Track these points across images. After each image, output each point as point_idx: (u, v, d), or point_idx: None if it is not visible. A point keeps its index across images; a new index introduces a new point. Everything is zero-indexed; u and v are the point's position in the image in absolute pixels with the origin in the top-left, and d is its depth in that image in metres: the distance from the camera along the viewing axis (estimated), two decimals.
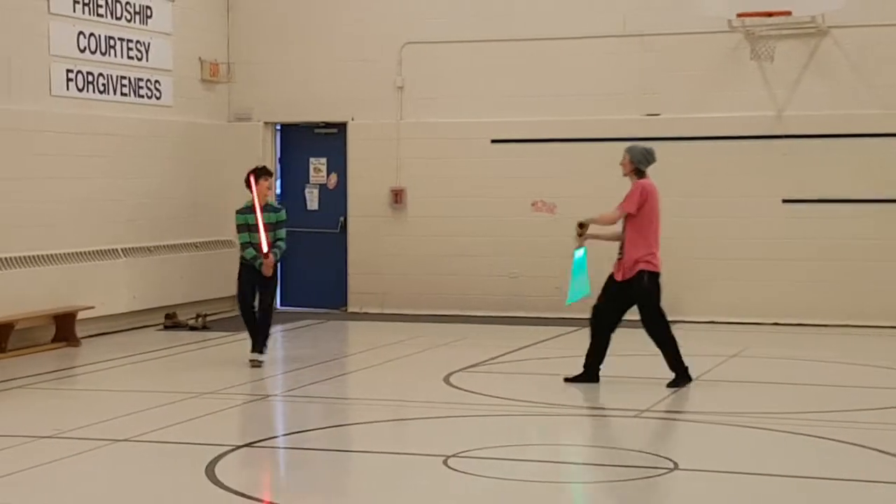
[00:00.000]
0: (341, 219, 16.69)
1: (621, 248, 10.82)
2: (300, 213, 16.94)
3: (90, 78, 14.28)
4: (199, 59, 16.16)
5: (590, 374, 10.99)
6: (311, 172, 16.91)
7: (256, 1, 16.66)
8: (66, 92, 13.95)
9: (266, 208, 11.98)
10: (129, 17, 14.84)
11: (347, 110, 16.49)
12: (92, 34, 14.28)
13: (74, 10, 14.02)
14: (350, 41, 16.35)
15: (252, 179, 12.00)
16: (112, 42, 14.59)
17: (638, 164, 10.82)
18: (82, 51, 14.15)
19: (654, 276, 10.76)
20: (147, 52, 15.14)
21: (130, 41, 14.88)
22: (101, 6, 14.40)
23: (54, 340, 13.30)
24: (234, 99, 16.72)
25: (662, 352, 10.97)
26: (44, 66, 13.67)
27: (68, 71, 13.98)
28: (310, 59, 16.49)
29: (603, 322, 10.95)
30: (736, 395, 10.88)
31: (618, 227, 10.90)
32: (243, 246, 11.95)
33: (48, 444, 8.70)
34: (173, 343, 13.75)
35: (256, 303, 12.08)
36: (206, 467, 7.91)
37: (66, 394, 11.02)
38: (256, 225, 11.81)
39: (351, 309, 16.53)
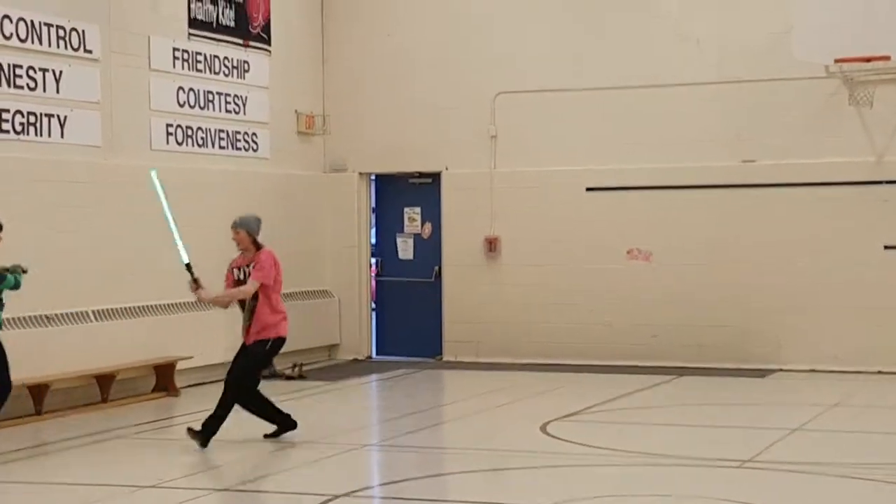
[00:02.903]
0: (436, 268, 16.73)
1: (250, 315, 10.52)
2: (394, 262, 17.03)
3: (189, 132, 14.54)
4: (296, 111, 16.37)
5: (286, 423, 10.78)
6: (406, 222, 16.99)
7: (350, 54, 16.85)
8: (165, 146, 14.21)
9: None
10: (226, 72, 15.10)
11: (441, 160, 16.57)
12: (191, 89, 14.55)
13: (174, 66, 14.30)
14: (443, 91, 16.44)
15: None
16: (210, 96, 14.85)
17: (256, 235, 10.73)
18: (181, 105, 14.42)
19: (279, 343, 10.65)
20: (244, 105, 15.38)
21: (228, 95, 15.13)
22: (199, 62, 14.67)
23: (154, 390, 13.48)
24: (330, 150, 16.90)
25: (250, 410, 10.66)
26: (144, 120, 13.95)
27: (168, 125, 14.24)
28: (403, 110, 16.61)
29: (252, 388, 10.72)
30: (839, 445, 10.65)
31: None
32: None
33: (151, 494, 8.79)
34: (271, 393, 13.76)
35: None
36: None
37: (167, 444, 11.13)
38: None
39: (446, 358, 16.52)
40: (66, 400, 12.48)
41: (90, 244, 13.04)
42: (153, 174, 10.84)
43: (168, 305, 13.90)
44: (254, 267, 10.51)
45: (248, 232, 10.65)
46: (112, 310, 13.20)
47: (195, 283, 10.54)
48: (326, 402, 13.52)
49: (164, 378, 13.54)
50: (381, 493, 9.02)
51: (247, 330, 10.55)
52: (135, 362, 13.15)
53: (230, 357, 14.54)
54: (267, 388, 14.17)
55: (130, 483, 9.05)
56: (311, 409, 13.00)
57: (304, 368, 15.27)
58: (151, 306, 13.68)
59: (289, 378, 14.91)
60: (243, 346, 10.63)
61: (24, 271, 10.35)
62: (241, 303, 10.59)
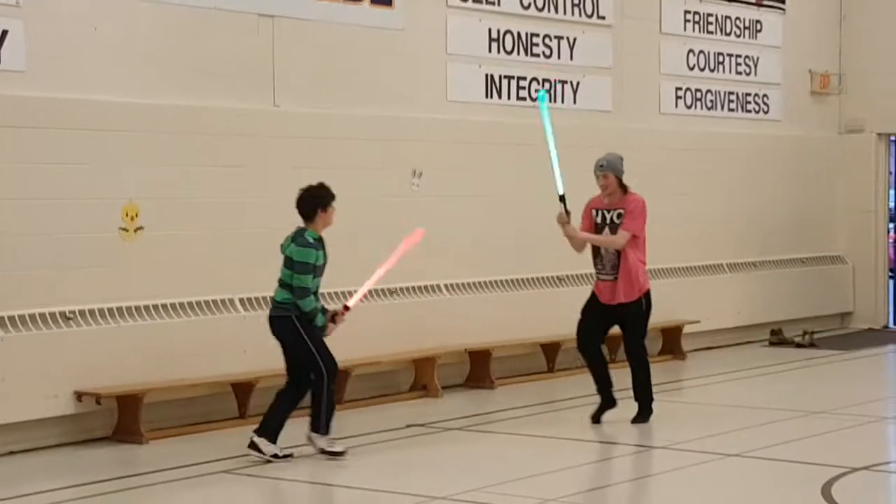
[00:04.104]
0: None
1: (615, 270, 9.60)
2: None
3: (698, 95, 14.42)
4: (809, 71, 15.79)
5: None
6: None
7: (871, 9, 15.99)
8: (674, 109, 14.17)
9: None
10: (738, 33, 14.82)
11: None
12: (701, 51, 14.41)
13: (685, 29, 14.22)
14: None
15: (320, 204, 8.71)
16: (720, 58, 14.64)
17: (622, 175, 9.65)
18: (691, 68, 14.31)
19: (649, 298, 9.80)
20: (755, 66, 15.04)
21: (739, 56, 14.85)
22: (710, 23, 14.50)
23: (661, 353, 13.52)
24: (846, 110, 16.14)
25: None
26: (654, 84, 13.97)
27: (677, 89, 14.19)
28: None
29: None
30: None
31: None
32: (302, 292, 8.57)
33: (662, 455, 8.84)
34: (779, 360, 13.51)
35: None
36: (822, 488, 7.65)
37: (674, 406, 11.09)
38: (322, 267, 8.71)
39: None
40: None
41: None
42: (542, 97, 9.80)
43: (675, 269, 13.86)
44: (625, 216, 9.65)
45: (616, 175, 9.74)
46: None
47: (567, 215, 9.66)
48: (839, 372, 13.00)
49: (671, 341, 13.56)
50: None
51: (613, 288, 9.70)
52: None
53: (738, 323, 14.51)
54: (775, 354, 13.90)
55: (642, 444, 9.13)
56: (823, 378, 12.58)
57: (815, 336, 14.77)
58: (660, 269, 13.57)
59: (798, 346, 14.48)
60: (612, 308, 9.70)
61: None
62: (596, 249, 9.79)
